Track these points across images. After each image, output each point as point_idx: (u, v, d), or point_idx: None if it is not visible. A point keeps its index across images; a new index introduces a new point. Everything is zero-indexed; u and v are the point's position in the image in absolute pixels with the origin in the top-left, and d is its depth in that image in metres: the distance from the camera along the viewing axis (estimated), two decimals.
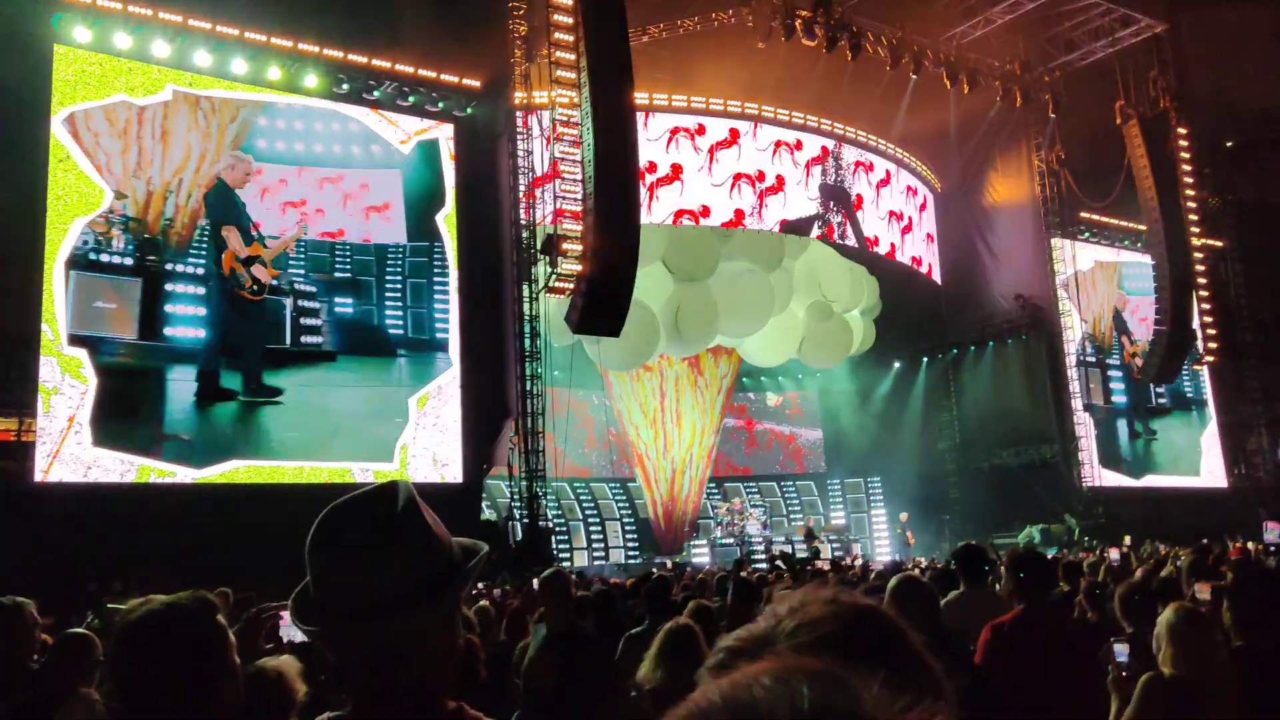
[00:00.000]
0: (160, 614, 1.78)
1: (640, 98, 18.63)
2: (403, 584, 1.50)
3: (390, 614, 1.48)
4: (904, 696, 0.70)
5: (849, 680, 0.70)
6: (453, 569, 1.57)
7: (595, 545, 25.73)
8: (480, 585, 13.22)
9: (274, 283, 17.42)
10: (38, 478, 14.87)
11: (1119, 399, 28.31)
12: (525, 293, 19.10)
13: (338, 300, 18.03)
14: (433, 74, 19.07)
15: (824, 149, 23.95)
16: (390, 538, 1.52)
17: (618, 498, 26.75)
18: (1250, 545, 16.80)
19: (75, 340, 15.49)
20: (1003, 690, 4.50)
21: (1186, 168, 26.87)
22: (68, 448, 15.16)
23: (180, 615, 1.79)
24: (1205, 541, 15.81)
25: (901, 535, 25.57)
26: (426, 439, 18.29)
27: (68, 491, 14.97)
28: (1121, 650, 3.91)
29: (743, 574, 9.33)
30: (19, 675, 3.87)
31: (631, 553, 25.54)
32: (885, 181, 25.39)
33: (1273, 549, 16.13)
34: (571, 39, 17.35)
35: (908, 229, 26.09)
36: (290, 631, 2.77)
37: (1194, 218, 26.77)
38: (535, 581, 13.03)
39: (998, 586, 7.22)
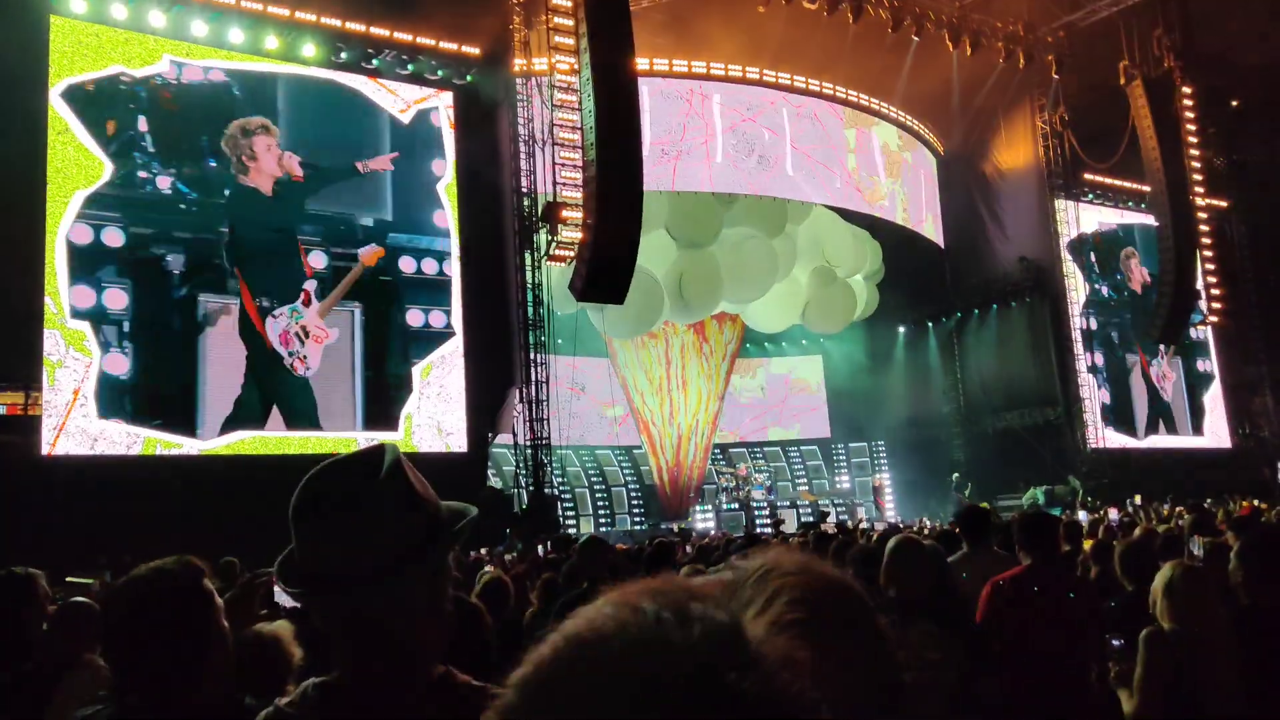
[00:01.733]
0: (145, 579, 1.79)
1: (640, 63, 18.52)
2: (384, 552, 1.49)
3: (371, 583, 1.48)
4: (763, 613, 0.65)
5: (695, 595, 0.64)
6: (436, 533, 1.56)
7: (601, 512, 25.85)
8: (484, 551, 13.31)
9: None
10: (44, 451, 14.94)
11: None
12: (527, 261, 19.06)
13: None
14: (431, 42, 18.90)
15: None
16: (371, 505, 1.51)
17: (623, 465, 26.84)
18: (1259, 504, 16.78)
19: None
20: (1002, 642, 4.54)
21: (1191, 128, 26.66)
22: (73, 420, 15.21)
23: (165, 580, 1.80)
24: (1209, 503, 15.82)
25: (956, 494, 25.13)
26: (431, 408, 18.32)
27: (75, 464, 15.04)
28: (1118, 643, 3.92)
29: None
30: (30, 644, 3.90)
31: (637, 519, 25.65)
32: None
33: None
34: (570, 4, 17.22)
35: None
36: (285, 597, 2.79)
37: (1198, 178, 26.60)
38: (540, 549, 13.12)
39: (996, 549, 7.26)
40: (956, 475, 25.55)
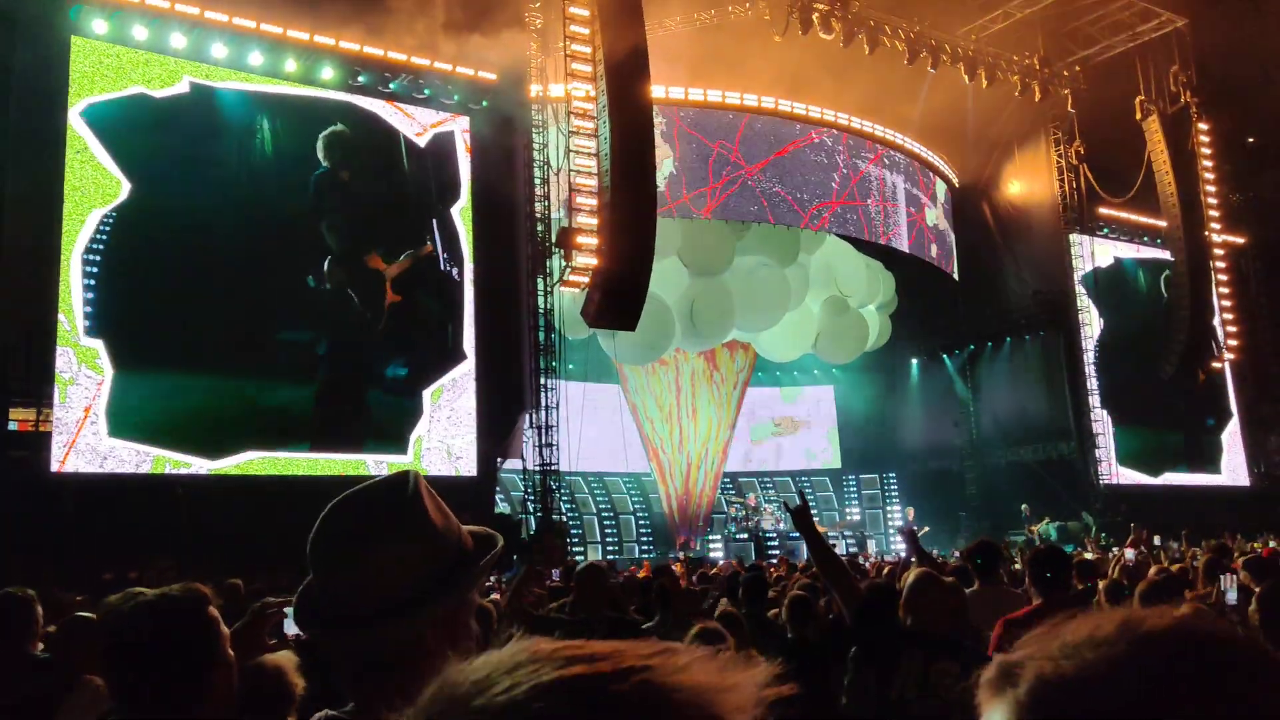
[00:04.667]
0: (151, 606, 1.76)
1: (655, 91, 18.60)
2: (403, 589, 1.44)
3: (388, 620, 1.43)
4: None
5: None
6: (459, 565, 1.52)
7: (609, 540, 25.73)
8: (491, 579, 13.23)
9: None
10: (54, 468, 14.93)
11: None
12: (540, 286, 19.08)
13: None
14: (448, 67, 19.00)
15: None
16: (386, 544, 1.47)
17: (632, 492, 26.74)
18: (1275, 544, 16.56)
19: None
20: None
21: (1207, 163, 26.67)
22: (83, 438, 15.22)
23: (171, 607, 1.77)
24: (1223, 540, 15.61)
25: (1027, 528, 23.79)
26: (441, 432, 18.29)
27: (84, 482, 15.03)
28: None
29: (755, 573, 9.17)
30: (28, 664, 3.87)
31: (645, 547, 25.52)
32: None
33: None
34: (587, 32, 17.31)
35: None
36: (293, 626, 2.75)
37: (1215, 214, 26.57)
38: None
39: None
40: (1026, 506, 24.77)
